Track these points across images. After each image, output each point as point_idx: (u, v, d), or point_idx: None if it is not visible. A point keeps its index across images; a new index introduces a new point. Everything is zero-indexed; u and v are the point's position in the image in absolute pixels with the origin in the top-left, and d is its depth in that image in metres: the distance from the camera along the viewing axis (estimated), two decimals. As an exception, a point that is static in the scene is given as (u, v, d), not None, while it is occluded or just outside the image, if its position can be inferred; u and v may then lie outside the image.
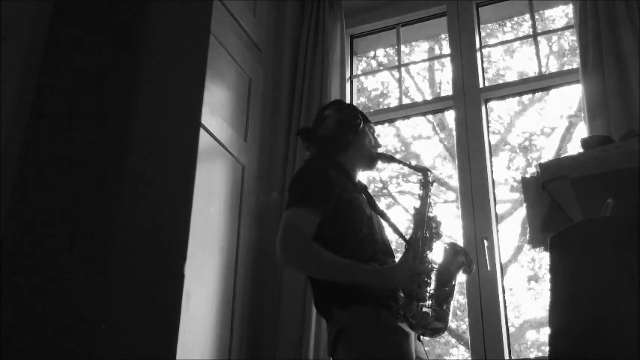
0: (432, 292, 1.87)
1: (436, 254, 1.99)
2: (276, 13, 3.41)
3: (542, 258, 5.86)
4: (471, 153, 3.02)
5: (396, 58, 3.74)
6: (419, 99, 6.17)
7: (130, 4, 2.83)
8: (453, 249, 1.98)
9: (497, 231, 2.92)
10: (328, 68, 3.25)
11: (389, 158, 2.24)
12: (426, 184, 2.11)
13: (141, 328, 2.28)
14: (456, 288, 1.94)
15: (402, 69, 3.84)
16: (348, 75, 3.41)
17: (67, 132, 2.66)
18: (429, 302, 1.85)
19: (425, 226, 2.00)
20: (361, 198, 2.05)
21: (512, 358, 2.76)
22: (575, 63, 3.05)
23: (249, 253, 2.83)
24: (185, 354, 2.26)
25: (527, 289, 6.13)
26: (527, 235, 2.20)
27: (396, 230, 2.12)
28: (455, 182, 3.10)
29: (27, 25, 2.76)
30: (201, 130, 2.58)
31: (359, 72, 4.26)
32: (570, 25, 3.61)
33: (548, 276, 1.64)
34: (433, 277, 1.91)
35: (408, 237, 2.01)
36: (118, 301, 2.33)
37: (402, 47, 3.69)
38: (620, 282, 1.48)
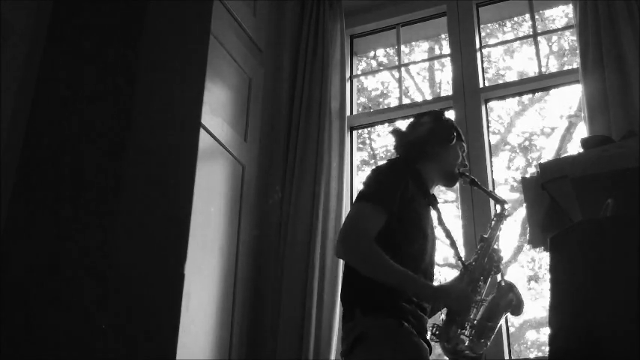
0: (474, 322, 1.89)
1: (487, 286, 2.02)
2: (276, 13, 3.41)
3: (542, 258, 5.86)
4: (471, 153, 3.02)
5: (396, 58, 3.74)
6: (419, 99, 6.16)
7: (130, 4, 2.82)
8: (507, 287, 1.98)
9: (498, 231, 2.92)
10: (328, 68, 3.25)
11: (471, 181, 2.19)
12: (500, 216, 2.12)
13: (141, 328, 2.28)
14: (499, 325, 1.94)
15: (402, 69, 3.84)
16: (348, 75, 3.41)
17: (66, 131, 2.66)
18: (468, 331, 1.86)
19: (487, 257, 2.01)
20: (426, 214, 2.05)
21: (512, 358, 2.76)
22: (575, 63, 3.05)
23: (249, 253, 2.83)
24: (185, 354, 2.26)
25: (527, 289, 6.13)
26: (527, 235, 2.20)
27: (456, 251, 2.11)
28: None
29: (27, 25, 2.76)
30: (201, 130, 2.58)
31: (359, 72, 4.26)
32: (570, 25, 3.61)
33: (548, 276, 1.64)
34: (481, 308, 1.92)
35: (467, 262, 2.03)
36: (118, 301, 2.32)
37: (402, 47, 3.69)
38: (620, 282, 1.47)
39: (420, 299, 1.90)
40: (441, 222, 2.10)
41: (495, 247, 2.06)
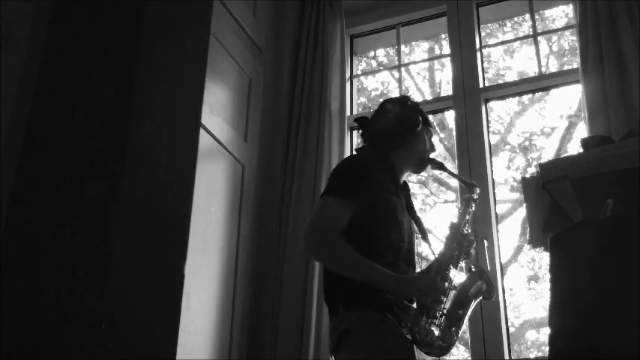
0: (445, 311, 1.84)
1: (460, 273, 1.95)
2: (276, 13, 3.41)
3: (542, 258, 5.87)
4: (471, 153, 3.02)
5: (396, 58, 3.74)
6: (419, 99, 6.14)
7: (130, 5, 2.83)
8: (478, 273, 1.93)
9: (497, 231, 2.92)
10: (328, 68, 3.25)
11: (439, 166, 2.15)
12: (469, 201, 2.07)
13: (141, 328, 2.28)
14: (469, 313, 1.89)
15: (402, 69, 3.84)
16: (348, 75, 3.41)
17: (67, 132, 2.66)
18: (438, 320, 1.82)
19: (456, 243, 1.96)
20: (398, 201, 2.00)
21: (512, 358, 2.76)
22: (575, 63, 3.05)
23: (249, 253, 2.83)
24: (185, 354, 2.26)
25: (527, 289, 6.13)
26: (527, 235, 2.20)
27: (426, 240, 2.08)
28: (455, 182, 3.09)
29: (27, 25, 2.76)
30: (201, 130, 2.58)
31: (359, 72, 4.26)
32: (570, 25, 3.61)
33: (548, 276, 1.64)
34: (451, 296, 1.87)
35: (437, 250, 1.98)
36: (118, 301, 2.33)
37: (402, 47, 3.69)
38: (620, 282, 1.48)
39: (388, 292, 1.83)
40: (410, 211, 2.06)
41: (464, 232, 1.99)
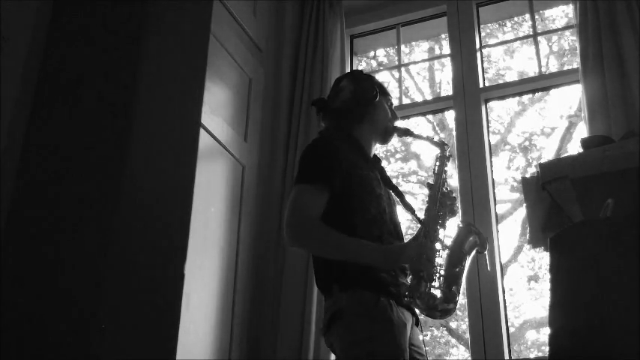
0: (441, 272, 1.79)
1: (449, 232, 1.91)
2: (277, 14, 3.41)
3: (542, 258, 5.87)
4: (471, 153, 3.02)
5: (396, 58, 3.74)
6: (419, 99, 6.17)
7: (130, 4, 2.83)
8: (466, 228, 1.90)
9: (497, 231, 2.92)
10: (328, 68, 3.25)
11: (405, 132, 2.14)
12: (442, 160, 2.04)
13: (141, 328, 2.28)
14: (466, 268, 1.85)
15: (402, 69, 3.84)
16: (348, 75, 3.41)
17: (67, 132, 2.66)
18: (437, 283, 1.77)
19: (438, 203, 1.92)
20: (372, 175, 1.99)
21: (512, 358, 2.76)
22: (575, 63, 3.05)
23: (249, 253, 2.83)
24: (185, 354, 2.26)
25: (527, 289, 6.14)
26: (527, 235, 2.20)
27: (409, 208, 2.06)
28: (455, 182, 3.09)
29: (27, 25, 2.76)
30: (201, 130, 2.58)
31: (359, 72, 4.25)
32: (570, 25, 3.61)
33: (548, 276, 1.64)
34: (444, 256, 1.83)
35: (422, 215, 1.94)
36: (118, 301, 2.33)
37: (402, 47, 3.69)
38: (620, 282, 1.48)
39: (380, 268, 1.80)
40: (386, 183, 2.04)
41: (445, 190, 1.96)
